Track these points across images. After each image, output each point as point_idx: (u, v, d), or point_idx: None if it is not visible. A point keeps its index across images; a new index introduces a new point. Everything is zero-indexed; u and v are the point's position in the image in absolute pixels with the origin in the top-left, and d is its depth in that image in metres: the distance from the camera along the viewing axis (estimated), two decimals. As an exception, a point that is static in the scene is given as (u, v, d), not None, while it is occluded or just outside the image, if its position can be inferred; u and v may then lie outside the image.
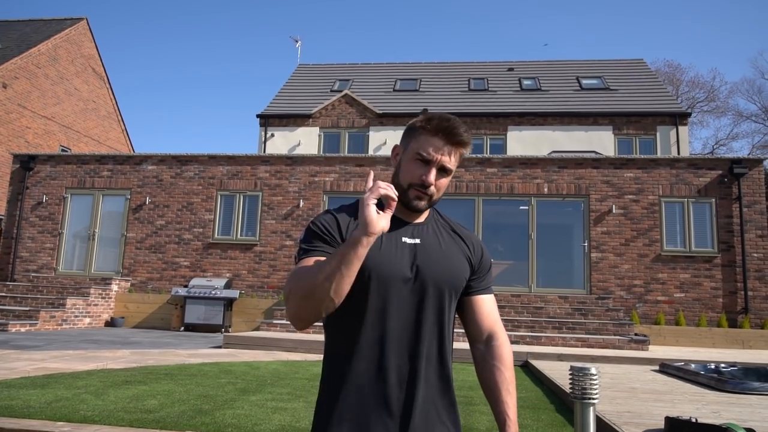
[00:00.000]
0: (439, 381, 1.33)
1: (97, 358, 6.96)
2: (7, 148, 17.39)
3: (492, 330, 1.42)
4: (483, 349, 1.41)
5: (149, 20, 69.17)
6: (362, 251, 1.15)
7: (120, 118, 23.55)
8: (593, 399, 3.18)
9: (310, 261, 1.27)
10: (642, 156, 12.67)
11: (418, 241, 1.36)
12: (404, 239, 1.35)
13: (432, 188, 1.34)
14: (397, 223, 1.37)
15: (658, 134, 16.85)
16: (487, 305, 1.44)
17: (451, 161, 1.35)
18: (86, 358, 6.91)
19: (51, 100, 19.65)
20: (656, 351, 9.45)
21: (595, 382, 3.20)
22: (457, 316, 1.46)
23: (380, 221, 1.16)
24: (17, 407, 4.04)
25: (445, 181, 1.37)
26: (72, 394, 4.60)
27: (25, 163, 13.97)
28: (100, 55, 22.22)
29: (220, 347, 8.96)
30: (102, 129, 22.42)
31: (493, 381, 1.37)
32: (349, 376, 1.29)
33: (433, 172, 1.33)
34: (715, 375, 6.13)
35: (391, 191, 1.19)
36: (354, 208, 1.40)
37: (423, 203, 1.36)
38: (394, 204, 1.19)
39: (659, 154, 16.02)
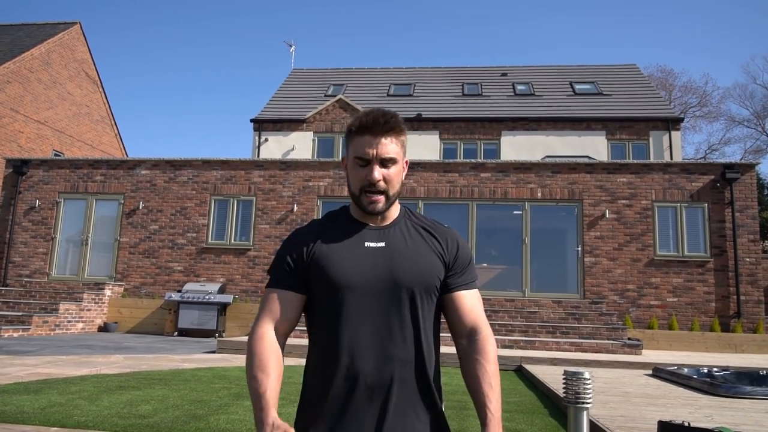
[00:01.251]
0: (416, 383, 1.31)
1: (91, 364, 6.92)
2: (0, 153, 17.29)
3: (474, 325, 1.38)
4: (465, 344, 1.38)
5: (143, 26, 69.08)
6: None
7: (113, 122, 23.48)
8: (586, 403, 3.21)
9: (272, 298, 1.35)
10: (635, 161, 12.76)
11: (382, 244, 1.36)
12: (367, 244, 1.35)
13: (381, 183, 1.33)
14: (360, 228, 1.39)
15: (650, 139, 16.97)
16: (467, 301, 1.40)
17: (388, 151, 1.33)
18: (80, 364, 6.87)
19: (44, 105, 19.57)
20: (649, 355, 9.49)
21: (588, 386, 3.23)
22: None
23: None
24: (10, 413, 4.02)
25: (394, 173, 1.35)
26: (65, 399, 4.58)
27: (18, 168, 13.91)
28: (93, 60, 22.16)
29: (213, 352, 8.93)
30: (95, 133, 22.34)
31: (475, 375, 1.33)
32: (323, 383, 1.30)
33: (376, 169, 1.33)
34: (708, 379, 6.17)
35: None
36: (324, 220, 1.43)
37: (380, 205, 1.35)
38: None
39: (652, 159, 16.13)
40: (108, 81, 61.66)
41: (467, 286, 1.42)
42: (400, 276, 1.32)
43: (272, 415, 1.19)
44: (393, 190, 1.36)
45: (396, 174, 1.36)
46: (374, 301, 1.30)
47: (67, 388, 5.11)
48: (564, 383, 3.18)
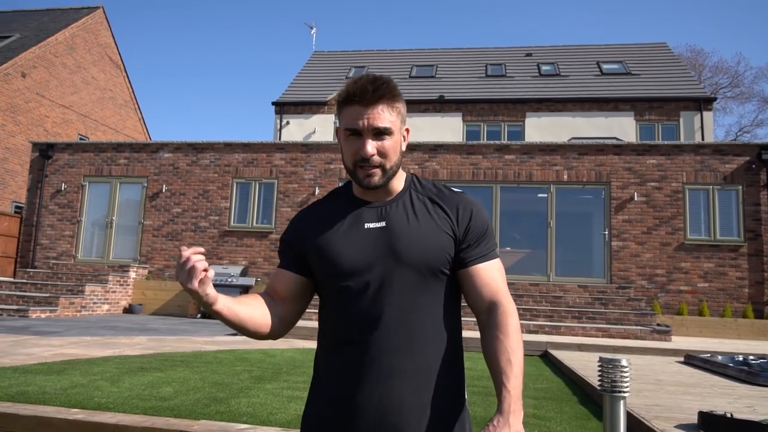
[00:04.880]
0: (426, 373, 1.21)
1: (115, 345, 6.96)
2: (27, 137, 17.54)
3: (493, 299, 1.24)
4: (485, 320, 1.24)
5: (164, 7, 69.36)
6: (216, 310, 1.17)
7: (137, 106, 23.65)
8: (624, 392, 3.03)
9: (274, 275, 1.35)
10: (665, 142, 12.35)
11: (383, 224, 1.25)
12: (367, 225, 1.26)
13: (376, 157, 1.22)
14: (360, 206, 1.29)
15: (681, 120, 16.44)
16: (485, 274, 1.26)
17: (381, 120, 1.21)
18: (104, 345, 6.92)
19: (69, 89, 19.76)
20: (679, 342, 9.23)
21: (626, 374, 3.04)
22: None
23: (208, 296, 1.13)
24: (32, 393, 4.01)
25: (390, 144, 1.23)
26: (88, 380, 4.57)
27: (44, 152, 14.06)
28: (116, 44, 22.28)
29: (235, 335, 8.93)
30: (119, 117, 22.54)
31: (493, 352, 1.18)
32: (326, 372, 1.26)
33: (369, 142, 1.21)
34: (745, 368, 5.93)
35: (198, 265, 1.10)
36: (325, 200, 1.37)
37: (376, 178, 1.24)
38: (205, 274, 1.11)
39: (683, 141, 15.63)
40: (130, 63, 62.16)
41: (484, 258, 1.28)
42: (404, 258, 1.22)
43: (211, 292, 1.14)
44: (390, 162, 1.24)
45: (393, 145, 1.24)
46: (375, 287, 1.21)
47: (90, 369, 5.11)
48: (599, 371, 3.00)
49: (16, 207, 17.41)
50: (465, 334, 1.48)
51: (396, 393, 1.18)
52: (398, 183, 1.31)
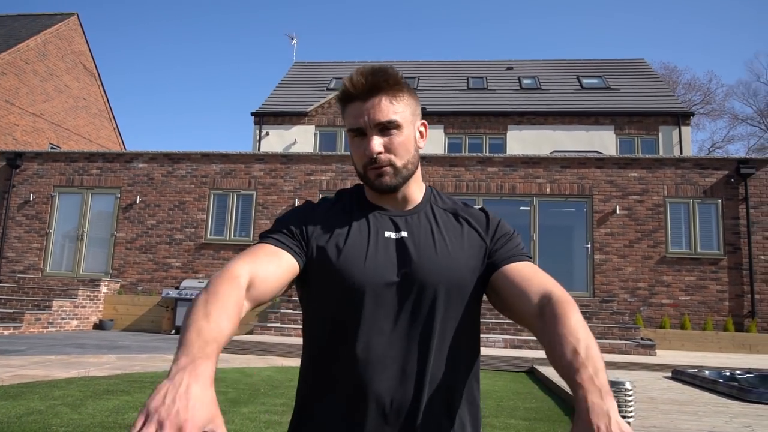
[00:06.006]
0: (444, 407, 1.03)
1: (80, 364, 6.56)
2: (-6, 146, 16.91)
3: (543, 293, 0.99)
4: (538, 322, 0.97)
5: (142, 21, 68.67)
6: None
7: (111, 116, 23.09)
8: (629, 416, 2.85)
9: (260, 247, 1.05)
10: (647, 155, 12.38)
11: (404, 234, 1.10)
12: (387, 234, 1.10)
13: (384, 155, 1.07)
14: (378, 213, 1.10)
15: (660, 134, 16.59)
16: (525, 270, 1.06)
17: (383, 113, 1.06)
18: (68, 364, 6.52)
19: (40, 97, 19.18)
20: (664, 356, 9.14)
21: (630, 397, 2.87)
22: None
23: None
24: (-17, 422, 3.66)
25: (400, 139, 1.08)
26: (46, 406, 4.22)
27: (12, 161, 13.54)
28: (91, 52, 21.76)
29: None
30: (93, 127, 21.96)
31: (554, 348, 0.90)
32: (325, 402, 1.04)
33: (374, 139, 1.06)
34: (736, 384, 5.81)
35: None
36: (335, 199, 1.19)
37: (387, 178, 1.08)
38: None
39: (662, 154, 15.75)
40: (108, 77, 61.31)
41: (520, 257, 1.10)
42: (427, 274, 1.04)
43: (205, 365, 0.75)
44: (401, 160, 1.08)
45: (402, 141, 1.08)
46: (393, 305, 1.04)
47: (50, 392, 4.75)
48: (601, 394, 2.82)
49: (-18, 218, 16.73)
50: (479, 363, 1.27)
51: (418, 425, 1.00)
52: (418, 193, 1.16)
